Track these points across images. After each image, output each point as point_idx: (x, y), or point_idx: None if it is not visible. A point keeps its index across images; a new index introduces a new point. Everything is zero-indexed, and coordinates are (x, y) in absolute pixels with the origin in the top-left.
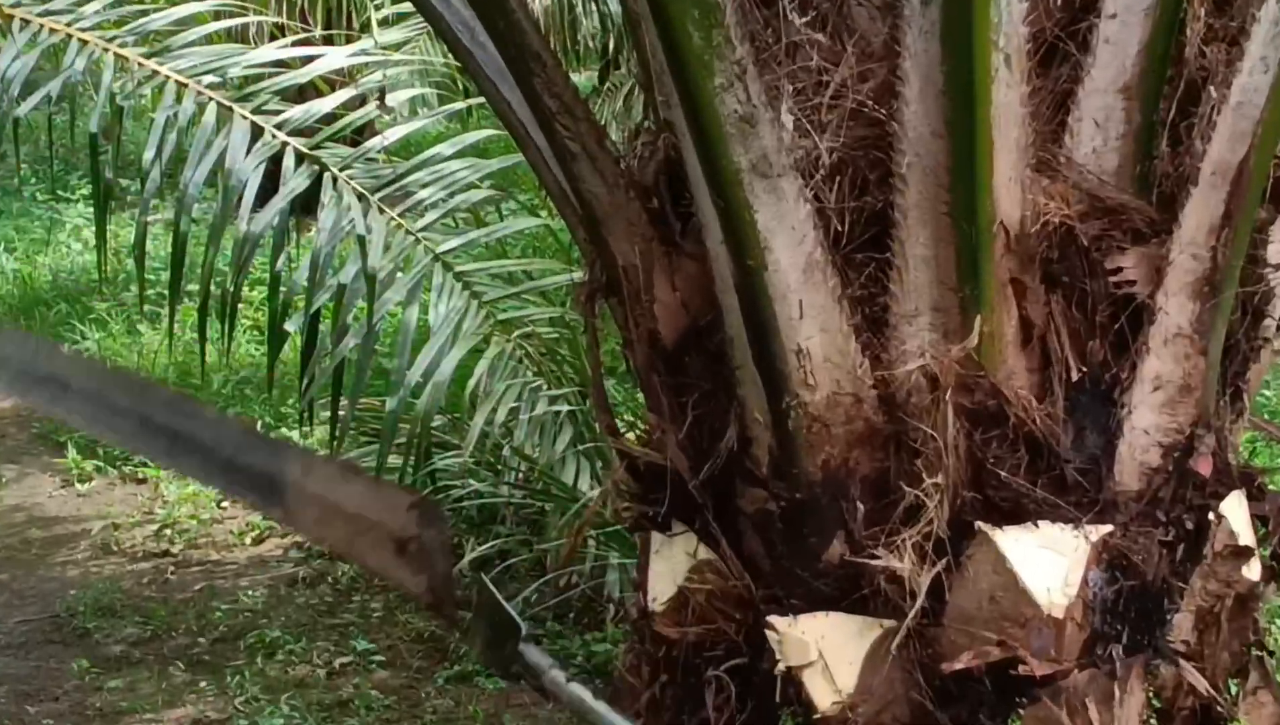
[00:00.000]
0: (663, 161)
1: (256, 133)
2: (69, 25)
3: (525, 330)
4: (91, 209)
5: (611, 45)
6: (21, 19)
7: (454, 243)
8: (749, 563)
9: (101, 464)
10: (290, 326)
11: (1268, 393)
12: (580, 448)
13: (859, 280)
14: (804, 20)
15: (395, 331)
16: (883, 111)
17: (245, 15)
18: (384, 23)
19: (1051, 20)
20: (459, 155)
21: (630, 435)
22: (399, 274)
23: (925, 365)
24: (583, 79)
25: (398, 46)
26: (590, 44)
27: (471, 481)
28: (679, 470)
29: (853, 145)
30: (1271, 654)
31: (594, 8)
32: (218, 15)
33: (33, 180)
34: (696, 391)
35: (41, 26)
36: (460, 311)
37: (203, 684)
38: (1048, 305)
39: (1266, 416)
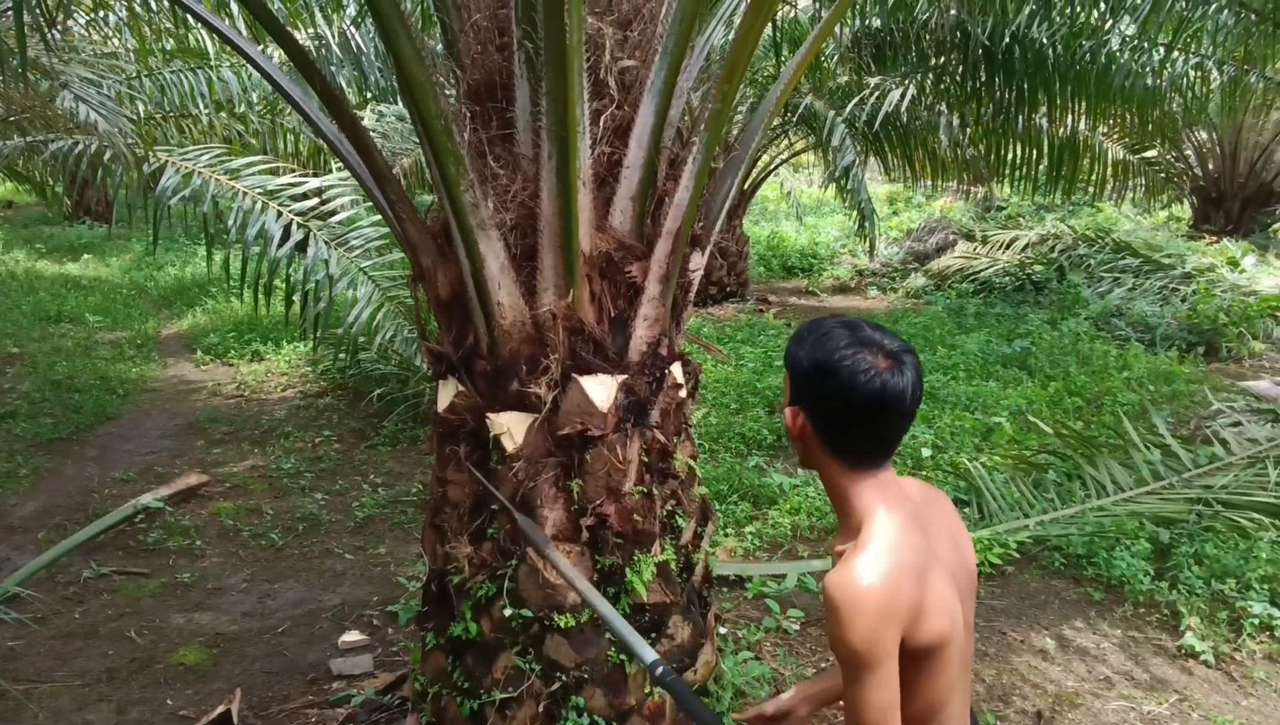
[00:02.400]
0: (442, 222)
1: (280, 214)
2: (193, 163)
3: (399, 299)
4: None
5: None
6: (171, 161)
7: (367, 263)
8: (479, 391)
9: (213, 357)
10: (295, 298)
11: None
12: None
13: (523, 274)
14: (499, 164)
15: (342, 300)
16: (532, 204)
17: (275, 163)
18: (339, 169)
19: (602, 167)
20: (371, 225)
21: (433, 340)
22: (344, 276)
23: (550, 309)
24: (427, 197)
25: (345, 178)
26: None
27: (377, 364)
28: (448, 354)
29: (521, 218)
30: (691, 426)
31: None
32: (264, 162)
33: (182, 236)
34: (457, 320)
35: (181, 165)
36: (371, 291)
37: (255, 451)
38: (601, 285)
39: (698, 333)
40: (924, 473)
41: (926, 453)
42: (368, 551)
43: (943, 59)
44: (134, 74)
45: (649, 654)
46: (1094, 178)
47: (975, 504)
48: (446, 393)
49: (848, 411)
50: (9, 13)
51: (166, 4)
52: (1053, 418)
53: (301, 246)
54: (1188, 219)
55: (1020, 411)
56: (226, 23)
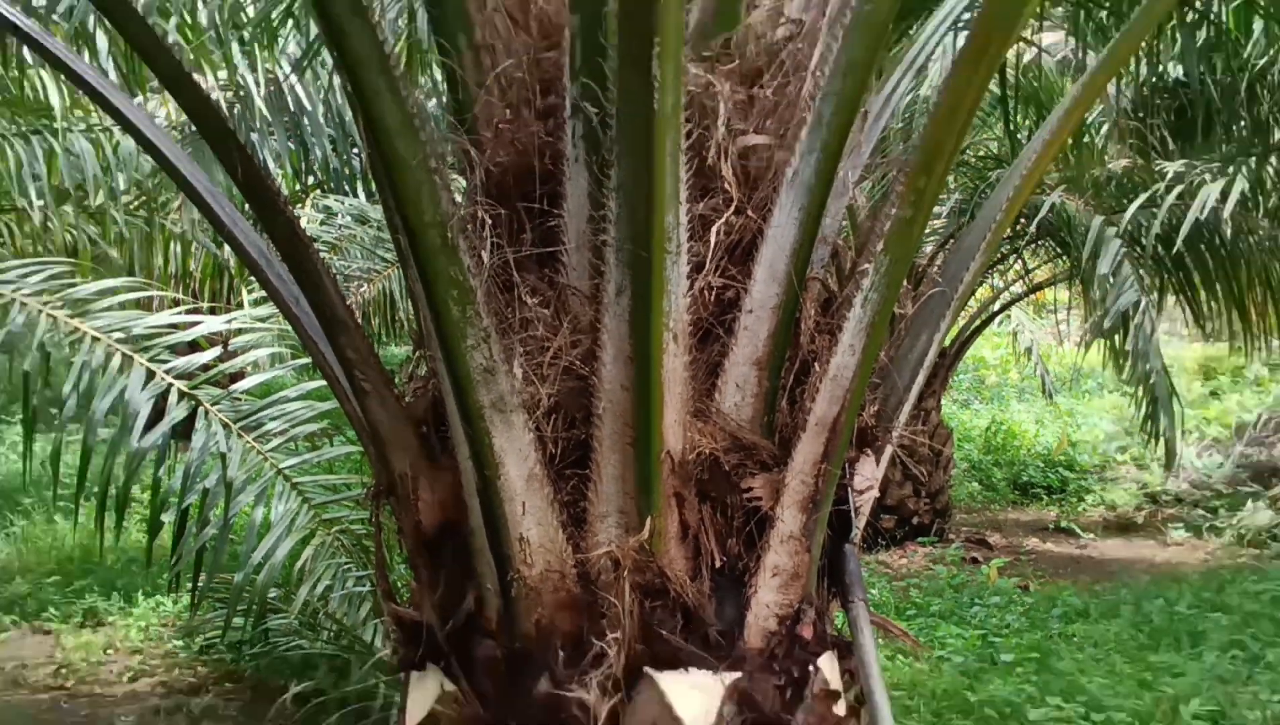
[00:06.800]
0: (429, 399)
1: (150, 376)
2: (12, 288)
3: (342, 526)
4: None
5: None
6: None
7: (293, 462)
8: (480, 693)
9: (19, 618)
10: (165, 519)
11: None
12: (379, 618)
13: (566, 489)
14: (534, 301)
15: (244, 524)
16: (586, 370)
17: (149, 290)
18: (255, 303)
19: (707, 311)
20: (301, 398)
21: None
22: (252, 483)
23: (611, 551)
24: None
25: (265, 318)
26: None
27: (298, 638)
28: (431, 625)
29: (565, 392)
30: None
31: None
32: (129, 288)
33: None
34: (447, 568)
35: None
36: (294, 511)
37: None
38: (699, 512)
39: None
40: None
41: None
42: None
43: None
44: None
45: None
46: None
47: None
48: (423, 694)
49: None
50: None
51: None
52: None
53: (183, 431)
54: None
55: None
56: (86, 58)
